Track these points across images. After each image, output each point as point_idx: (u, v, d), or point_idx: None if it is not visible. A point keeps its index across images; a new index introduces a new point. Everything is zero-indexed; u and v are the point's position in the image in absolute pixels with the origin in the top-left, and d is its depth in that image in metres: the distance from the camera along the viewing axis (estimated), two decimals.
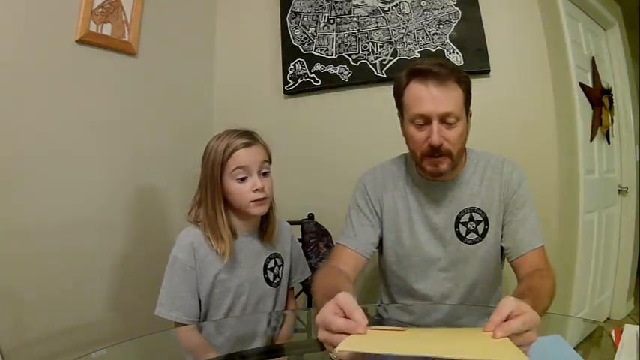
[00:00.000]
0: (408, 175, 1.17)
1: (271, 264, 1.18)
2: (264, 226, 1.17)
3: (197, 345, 1.05)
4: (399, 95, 1.07)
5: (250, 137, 1.10)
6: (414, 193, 1.15)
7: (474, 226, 1.10)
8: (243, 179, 1.07)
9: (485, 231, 1.10)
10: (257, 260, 1.16)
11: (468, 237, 1.10)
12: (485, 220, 1.10)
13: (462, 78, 1.02)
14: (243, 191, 1.07)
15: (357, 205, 1.18)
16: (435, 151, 1.00)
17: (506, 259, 1.14)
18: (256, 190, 1.07)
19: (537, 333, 0.63)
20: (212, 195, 1.08)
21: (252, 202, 1.07)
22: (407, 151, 1.16)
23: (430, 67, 0.99)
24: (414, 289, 1.15)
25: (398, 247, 1.16)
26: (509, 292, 1.15)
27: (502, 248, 1.12)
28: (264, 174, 1.11)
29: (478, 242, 1.10)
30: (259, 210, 1.09)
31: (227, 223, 1.09)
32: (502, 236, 1.11)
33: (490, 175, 1.12)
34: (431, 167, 1.04)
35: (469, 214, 1.10)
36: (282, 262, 1.21)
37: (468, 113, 1.06)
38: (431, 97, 0.98)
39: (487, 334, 0.62)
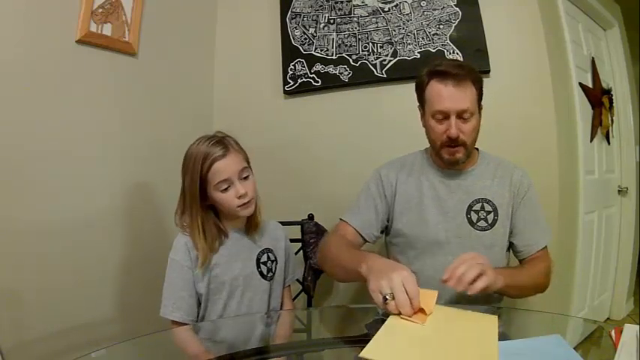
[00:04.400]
0: (423, 165, 1.27)
1: (264, 258, 1.22)
2: (250, 222, 1.22)
3: (192, 347, 1.07)
4: (420, 91, 1.19)
5: (224, 147, 1.12)
6: (429, 180, 1.24)
7: (485, 215, 1.18)
8: (226, 189, 1.11)
9: (495, 221, 1.18)
10: (249, 255, 1.20)
11: (478, 224, 1.18)
12: (495, 211, 1.18)
13: (477, 78, 1.14)
14: (228, 199, 1.12)
15: (369, 188, 1.28)
16: (453, 142, 1.13)
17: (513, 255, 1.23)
18: (240, 196, 1.12)
19: (536, 331, 0.67)
20: (190, 206, 1.14)
21: (238, 206, 1.13)
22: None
23: (449, 69, 1.11)
24: (421, 272, 1.16)
25: (408, 230, 1.22)
26: None
27: (511, 244, 1.22)
28: (245, 177, 1.15)
29: (487, 230, 1.17)
30: (246, 212, 1.15)
31: (203, 233, 1.13)
32: (511, 234, 1.20)
33: (501, 174, 1.22)
34: (448, 155, 1.16)
35: (481, 203, 1.19)
36: (276, 258, 1.25)
37: (480, 108, 1.18)
38: (449, 96, 1.11)
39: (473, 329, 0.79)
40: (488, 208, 1.18)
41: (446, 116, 1.12)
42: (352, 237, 1.23)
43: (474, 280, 0.87)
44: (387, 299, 0.81)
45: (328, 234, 1.32)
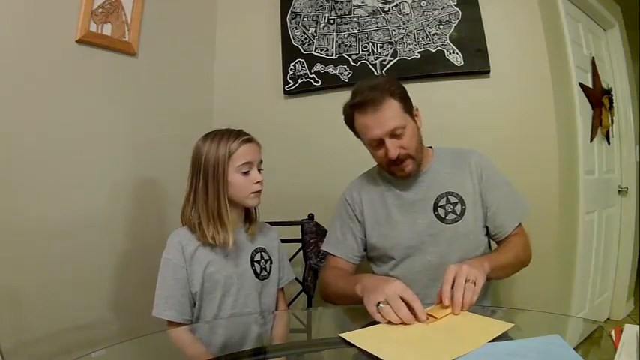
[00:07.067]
0: (382, 178, 1.29)
1: (257, 257, 1.22)
2: (248, 219, 1.24)
3: (190, 347, 1.06)
4: (351, 126, 1.22)
5: (248, 135, 1.18)
6: (391, 191, 1.26)
7: (452, 207, 1.19)
8: (246, 173, 1.14)
9: (463, 211, 1.19)
10: (243, 253, 1.20)
11: (447, 218, 1.19)
12: (462, 201, 1.19)
13: (394, 90, 1.13)
14: (246, 183, 1.14)
15: (340, 215, 1.31)
16: (397, 160, 1.14)
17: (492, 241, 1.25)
18: (257, 182, 1.15)
19: (536, 331, 0.67)
20: (216, 188, 1.13)
21: (252, 193, 1.15)
22: None
23: (365, 97, 1.12)
24: (404, 276, 1.17)
25: (382, 242, 1.23)
26: (502, 288, 1.19)
27: (487, 228, 1.22)
28: (260, 170, 1.19)
29: (458, 222, 1.19)
30: (256, 201, 1.19)
31: (218, 216, 1.14)
32: (486, 218, 1.21)
33: (458, 163, 1.24)
34: (398, 172, 1.18)
35: (445, 197, 1.20)
36: (270, 258, 1.25)
37: (412, 113, 1.18)
38: (374, 123, 1.12)
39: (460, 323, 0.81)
40: (453, 200, 1.19)
41: (380, 141, 1.14)
42: (343, 265, 1.26)
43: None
44: (380, 303, 0.83)
45: (322, 271, 1.35)
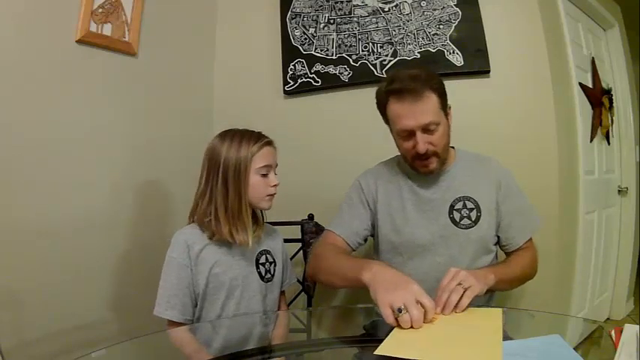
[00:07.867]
0: (401, 170, 1.27)
1: (262, 259, 1.21)
2: (255, 221, 1.22)
3: (189, 346, 1.07)
4: (382, 111, 1.18)
5: (268, 138, 1.19)
6: (408, 185, 1.24)
7: (467, 212, 1.17)
8: (264, 175, 1.15)
9: (478, 217, 1.17)
10: (249, 255, 1.19)
11: (461, 222, 1.17)
12: (478, 207, 1.18)
13: (435, 84, 1.10)
14: (263, 185, 1.15)
15: (351, 199, 1.29)
16: (423, 155, 1.12)
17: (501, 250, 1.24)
18: (273, 185, 1.16)
19: (536, 331, 0.69)
20: (237, 189, 1.12)
21: (267, 195, 1.16)
22: None
23: (405, 85, 1.08)
24: (412, 276, 1.16)
25: (393, 236, 1.22)
26: (507, 294, 1.20)
27: (497, 238, 1.21)
28: (275, 173, 1.20)
29: (472, 227, 1.17)
30: (270, 204, 1.18)
31: (239, 215, 1.14)
32: (498, 228, 1.20)
33: (480, 169, 1.22)
34: (422, 168, 1.16)
35: (462, 202, 1.18)
36: (274, 260, 1.24)
37: (446, 112, 1.15)
38: (410, 113, 1.09)
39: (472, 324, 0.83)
40: (470, 205, 1.17)
41: (411, 133, 1.11)
42: (342, 245, 1.23)
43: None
44: (401, 310, 0.80)
45: (316, 245, 1.30)
